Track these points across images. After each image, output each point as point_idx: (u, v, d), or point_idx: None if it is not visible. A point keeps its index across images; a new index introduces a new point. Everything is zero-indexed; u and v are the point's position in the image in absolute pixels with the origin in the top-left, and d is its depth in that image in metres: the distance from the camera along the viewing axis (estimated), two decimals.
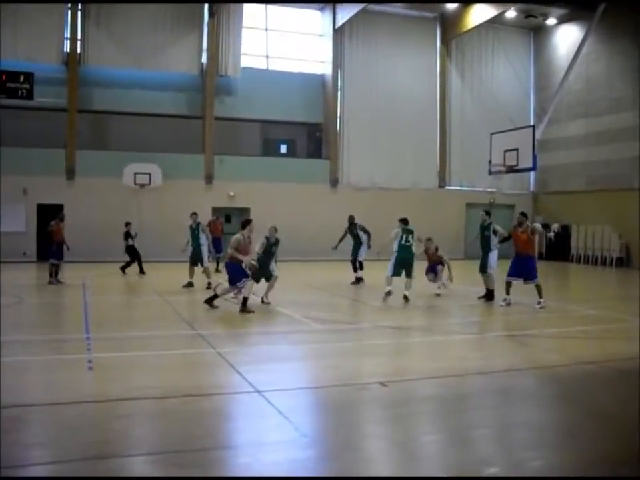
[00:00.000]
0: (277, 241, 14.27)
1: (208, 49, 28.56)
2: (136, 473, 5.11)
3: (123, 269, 21.11)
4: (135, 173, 26.28)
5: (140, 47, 27.44)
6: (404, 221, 15.07)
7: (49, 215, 20.74)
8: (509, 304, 13.92)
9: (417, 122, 31.57)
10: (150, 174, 26.53)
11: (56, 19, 26.83)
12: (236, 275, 13.09)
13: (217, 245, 20.94)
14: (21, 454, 5.45)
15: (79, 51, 27.30)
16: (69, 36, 27.24)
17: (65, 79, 27.01)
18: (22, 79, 25.86)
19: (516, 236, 14.02)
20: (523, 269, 13.77)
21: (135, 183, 26.26)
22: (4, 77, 25.68)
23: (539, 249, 30.54)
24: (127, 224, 21.39)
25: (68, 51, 27.19)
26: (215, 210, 27.19)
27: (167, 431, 6.03)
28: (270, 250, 14.09)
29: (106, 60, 27.25)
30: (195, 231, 17.69)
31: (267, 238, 14.08)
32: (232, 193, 28.41)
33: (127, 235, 21.27)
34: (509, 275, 14.03)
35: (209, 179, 28.50)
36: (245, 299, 12.94)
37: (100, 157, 27.02)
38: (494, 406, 7.09)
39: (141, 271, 21.07)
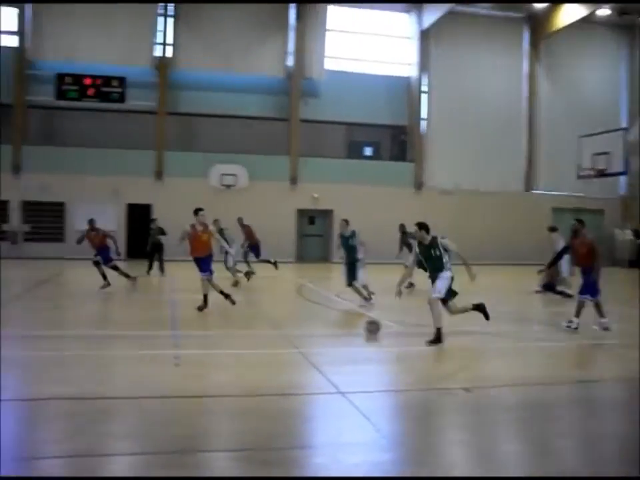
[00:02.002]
0: (352, 234, 14.11)
1: (294, 52, 28.80)
2: (219, 469, 5.19)
3: (155, 269, 20.96)
4: (222, 174, 26.75)
5: (227, 51, 27.91)
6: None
7: (139, 214, 21.26)
8: (575, 328, 11.42)
9: (503, 124, 31.06)
10: (236, 175, 26.95)
11: (148, 24, 27.57)
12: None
13: (254, 249, 20.53)
14: (111, 445, 5.63)
15: (169, 54, 27.97)
16: (160, 40, 27.95)
17: (155, 82, 27.71)
18: (115, 83, 26.86)
19: (573, 247, 11.99)
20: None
21: (222, 184, 26.72)
22: (98, 82, 26.72)
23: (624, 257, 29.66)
24: (153, 220, 20.96)
25: (158, 54, 27.89)
26: (300, 212, 27.39)
27: (249, 429, 6.06)
28: (348, 244, 13.93)
29: (195, 63, 27.84)
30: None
31: (340, 235, 14.04)
32: (316, 195, 28.54)
33: (161, 232, 20.88)
34: (582, 292, 11.46)
35: (294, 180, 28.71)
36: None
37: (187, 158, 27.62)
38: (581, 416, 6.88)
39: (161, 270, 20.91)
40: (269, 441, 5.69)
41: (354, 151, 30.68)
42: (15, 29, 27.20)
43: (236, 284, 17.26)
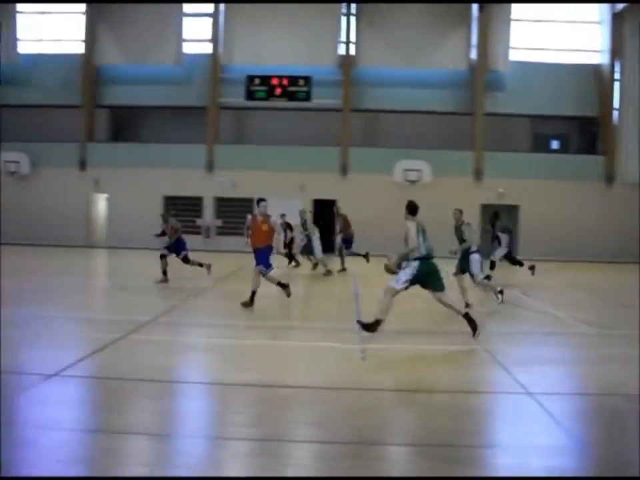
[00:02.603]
0: (464, 224, 13.56)
1: (477, 44, 28.31)
2: (400, 462, 5.25)
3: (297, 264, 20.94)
4: (405, 170, 26.77)
5: (409, 46, 27.94)
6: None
7: (324, 209, 21.68)
8: None
9: None
10: (420, 170, 26.88)
11: (331, 24, 28.15)
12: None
13: (348, 242, 20.50)
14: (296, 432, 5.90)
15: (352, 53, 28.41)
16: (343, 39, 28.46)
17: (340, 80, 28.22)
18: (301, 82, 27.64)
19: None
20: None
21: (405, 180, 26.74)
22: (285, 82, 27.60)
23: None
24: (283, 215, 20.85)
25: (342, 53, 28.39)
26: (484, 207, 26.84)
27: (433, 424, 6.06)
28: (460, 236, 13.43)
29: (378, 60, 28.10)
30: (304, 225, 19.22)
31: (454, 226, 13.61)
32: (501, 190, 27.84)
33: (289, 227, 20.84)
34: None
35: (478, 175, 28.19)
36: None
37: (371, 154, 27.90)
38: None
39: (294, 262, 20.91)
40: (454, 438, 5.65)
41: (539, 145, 29.66)
42: (209, 37, 28.75)
43: (328, 273, 18.03)
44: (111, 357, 8.44)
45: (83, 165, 28.88)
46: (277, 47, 27.89)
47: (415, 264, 9.54)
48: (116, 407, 6.36)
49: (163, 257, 16.02)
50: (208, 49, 28.81)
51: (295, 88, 27.66)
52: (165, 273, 15.74)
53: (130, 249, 25.85)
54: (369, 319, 9.79)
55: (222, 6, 28.39)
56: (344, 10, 28.56)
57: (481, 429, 6.08)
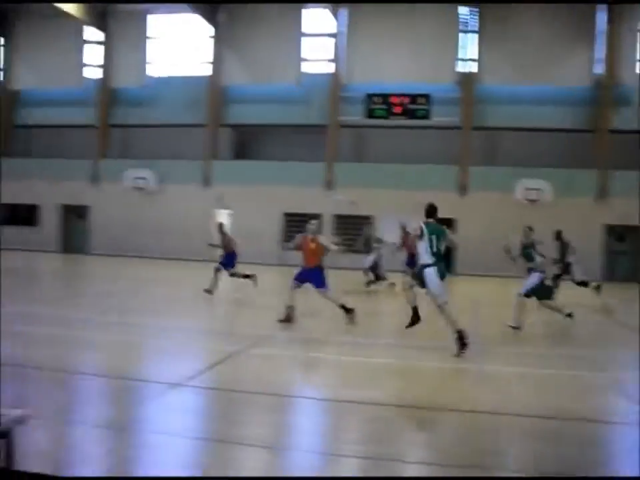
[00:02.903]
0: (532, 243, 13.05)
1: (604, 58, 27.41)
2: None
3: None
4: (526, 189, 26.24)
5: (531, 63, 27.42)
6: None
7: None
8: None
9: None
10: (540, 190, 26.28)
11: (451, 41, 28.08)
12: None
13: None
14: (410, 452, 5.93)
15: (473, 70, 28.18)
16: (463, 56, 28.28)
17: (459, 98, 28.05)
18: (421, 100, 27.68)
19: None
20: None
21: (526, 199, 26.21)
22: (405, 100, 27.72)
23: None
24: (365, 222, 20.34)
25: (462, 70, 28.22)
26: (609, 228, 25.89)
27: (550, 453, 5.84)
28: (527, 254, 12.91)
29: (498, 77, 27.77)
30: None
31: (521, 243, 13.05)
32: (629, 211, 26.67)
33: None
34: None
35: (602, 194, 27.22)
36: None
37: (492, 173, 27.51)
38: None
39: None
40: (571, 469, 5.49)
41: None
42: (330, 56, 29.32)
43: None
44: (231, 369, 8.76)
45: (206, 181, 29.96)
46: (396, 65, 28.07)
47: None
48: (235, 418, 6.61)
49: (217, 270, 16.59)
50: (328, 68, 29.36)
51: (415, 106, 27.69)
52: (212, 287, 16.18)
53: (250, 264, 26.50)
54: (490, 337, 9.66)
55: (343, 26, 28.86)
56: (463, 27, 28.41)
57: (601, 460, 5.90)
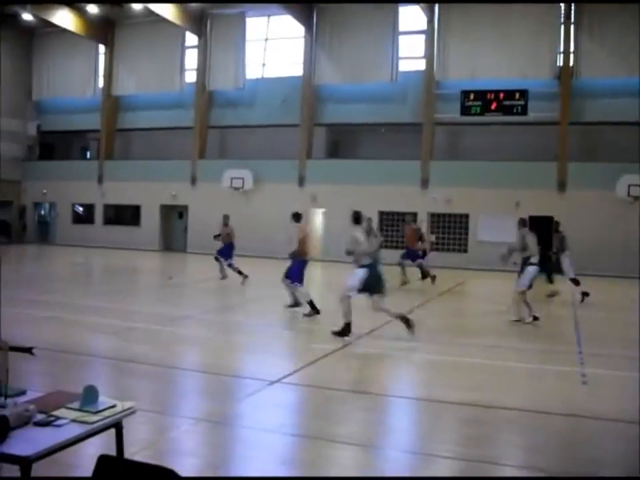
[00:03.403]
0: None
1: None
2: None
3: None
4: (630, 185, 25.30)
5: (632, 53, 26.30)
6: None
7: (539, 227, 20.92)
8: None
9: None
10: None
11: (549, 35, 27.32)
12: None
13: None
14: (511, 455, 5.84)
15: (571, 63, 27.35)
16: (561, 50, 27.49)
17: (557, 93, 27.28)
18: (517, 96, 27.11)
19: None
20: None
21: (629, 195, 25.29)
22: (501, 96, 27.23)
23: None
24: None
25: (560, 64, 27.42)
26: None
27: None
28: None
29: (598, 70, 26.78)
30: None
31: None
32: None
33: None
34: None
35: None
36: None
37: (591, 169, 26.64)
38: None
39: None
40: None
41: None
42: (422, 54, 29.11)
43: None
44: (328, 366, 8.85)
45: (301, 180, 30.26)
46: (492, 61, 27.54)
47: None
48: (331, 416, 6.69)
49: (217, 259, 18.68)
50: (422, 65, 29.11)
51: (511, 102, 27.13)
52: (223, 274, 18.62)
53: (347, 263, 26.64)
54: (590, 341, 9.40)
55: (436, 22, 28.56)
56: (562, 19, 27.60)
57: None
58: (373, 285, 10.29)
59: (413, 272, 19.48)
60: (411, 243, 19.95)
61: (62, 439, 3.18)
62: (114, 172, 33.67)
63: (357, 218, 10.90)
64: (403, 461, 5.60)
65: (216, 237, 19.48)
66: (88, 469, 3.57)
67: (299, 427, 6.50)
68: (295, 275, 12.98)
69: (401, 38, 29.20)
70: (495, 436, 6.29)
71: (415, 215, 27.54)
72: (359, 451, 5.81)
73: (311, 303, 12.70)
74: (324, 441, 5.92)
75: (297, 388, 7.79)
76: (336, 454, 5.69)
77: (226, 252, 18.85)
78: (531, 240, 12.89)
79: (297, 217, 13.67)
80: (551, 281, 17.80)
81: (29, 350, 3.80)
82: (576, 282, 16.58)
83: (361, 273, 10.34)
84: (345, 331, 10.41)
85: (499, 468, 5.47)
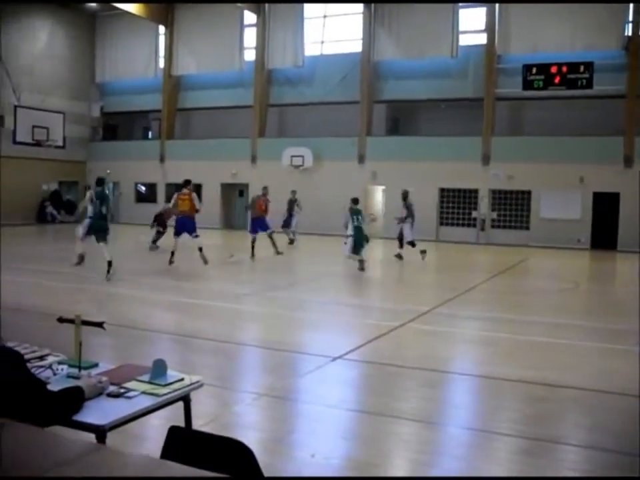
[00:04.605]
0: None
1: None
2: None
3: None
4: None
5: None
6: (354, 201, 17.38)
7: (605, 203, 20.53)
8: None
9: None
10: None
11: (617, 3, 26.44)
12: None
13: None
14: (575, 435, 5.78)
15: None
16: (630, 19, 26.64)
17: (624, 64, 26.47)
18: (581, 68, 26.38)
19: None
20: None
21: None
22: (564, 69, 26.53)
23: None
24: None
25: (628, 34, 26.58)
26: None
27: None
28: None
29: None
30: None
31: None
32: None
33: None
34: None
35: None
36: None
37: None
38: None
39: None
40: None
41: None
42: (483, 27, 28.58)
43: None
44: (390, 343, 8.89)
45: (361, 158, 30.16)
46: (555, 33, 26.84)
47: None
48: (392, 392, 6.73)
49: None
50: (483, 39, 28.58)
51: (575, 75, 26.40)
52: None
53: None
54: None
55: None
56: None
57: None
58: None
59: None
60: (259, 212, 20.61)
61: (133, 410, 3.29)
62: (175, 151, 34.13)
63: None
64: (463, 438, 5.61)
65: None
66: (156, 440, 3.70)
67: (360, 403, 6.55)
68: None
69: (461, 11, 28.70)
70: (557, 414, 6.22)
71: (476, 191, 27.32)
72: (420, 427, 5.83)
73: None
74: (385, 417, 5.96)
75: (359, 364, 7.84)
76: (397, 430, 5.74)
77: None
78: None
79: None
80: None
81: (100, 324, 3.91)
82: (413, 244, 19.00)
83: None
84: None
85: (561, 447, 5.43)
